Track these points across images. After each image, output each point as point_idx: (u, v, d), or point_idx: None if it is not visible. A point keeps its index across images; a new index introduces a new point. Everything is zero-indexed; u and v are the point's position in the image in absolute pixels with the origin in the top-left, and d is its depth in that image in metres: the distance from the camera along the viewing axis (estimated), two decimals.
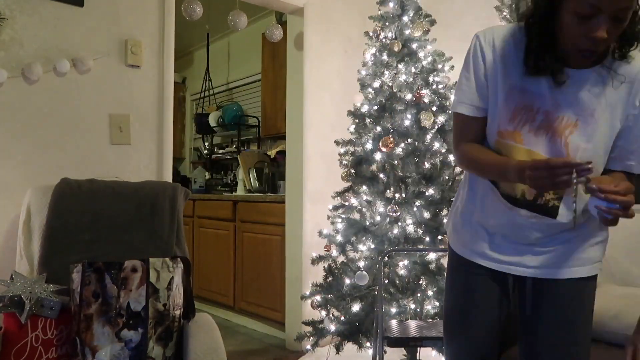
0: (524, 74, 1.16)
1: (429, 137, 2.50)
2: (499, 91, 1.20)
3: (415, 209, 2.42)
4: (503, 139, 1.20)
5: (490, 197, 1.27)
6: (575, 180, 1.01)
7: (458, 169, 2.57)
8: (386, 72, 2.62)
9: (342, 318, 2.50)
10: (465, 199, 1.34)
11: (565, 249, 1.24)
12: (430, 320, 2.22)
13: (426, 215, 2.42)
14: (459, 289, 1.35)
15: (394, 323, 2.07)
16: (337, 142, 2.70)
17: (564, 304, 1.26)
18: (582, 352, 1.30)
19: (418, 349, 2.34)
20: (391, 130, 2.51)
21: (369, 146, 2.58)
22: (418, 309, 2.35)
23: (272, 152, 4.41)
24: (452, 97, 2.60)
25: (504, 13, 2.94)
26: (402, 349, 2.41)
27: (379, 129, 2.55)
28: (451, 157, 2.51)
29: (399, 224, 2.44)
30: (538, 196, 1.20)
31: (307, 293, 2.65)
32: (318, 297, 2.59)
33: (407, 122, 2.50)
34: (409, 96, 2.52)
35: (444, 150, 2.51)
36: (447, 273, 1.41)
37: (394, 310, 2.35)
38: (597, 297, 1.98)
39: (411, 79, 2.56)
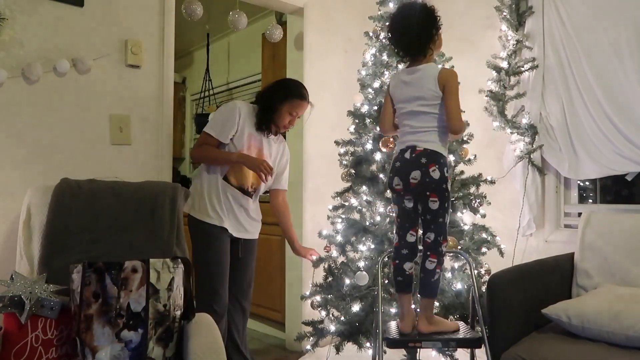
0: (255, 129, 2.34)
1: None
2: (244, 135, 2.30)
3: None
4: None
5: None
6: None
7: (457, 169, 2.57)
8: (386, 72, 2.61)
9: (342, 318, 2.49)
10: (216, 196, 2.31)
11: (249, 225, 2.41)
12: None
13: None
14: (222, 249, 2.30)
15: (393, 324, 2.07)
16: (337, 142, 2.70)
17: (251, 252, 2.47)
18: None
19: (418, 349, 2.34)
20: None
21: (369, 146, 2.58)
22: (418, 310, 2.35)
23: None
24: None
25: (504, 13, 2.94)
26: (402, 349, 2.41)
27: (379, 129, 2.55)
28: (451, 157, 2.51)
29: None
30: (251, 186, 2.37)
31: (307, 293, 2.65)
32: (318, 298, 2.59)
33: None
34: None
35: None
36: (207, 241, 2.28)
37: (393, 310, 2.35)
38: (597, 297, 1.99)
39: None
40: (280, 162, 2.48)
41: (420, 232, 1.99)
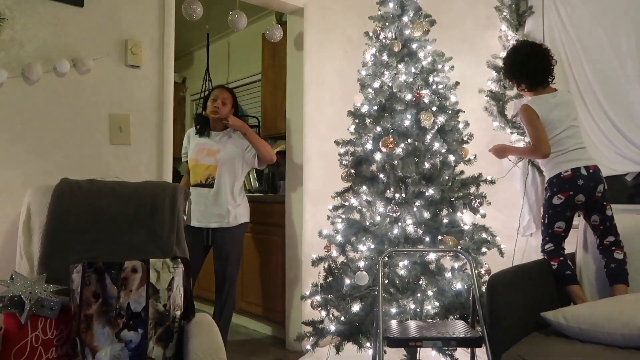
0: (199, 136, 2.82)
1: (428, 137, 2.50)
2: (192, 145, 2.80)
3: (415, 209, 2.42)
4: (193, 162, 2.76)
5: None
6: None
7: (458, 169, 2.57)
8: (386, 72, 2.61)
9: (342, 318, 2.49)
10: None
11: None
12: (430, 320, 2.22)
13: (426, 215, 2.42)
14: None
15: (394, 323, 2.07)
16: (337, 142, 2.70)
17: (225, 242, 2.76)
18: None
19: (418, 349, 2.34)
20: (391, 130, 2.51)
21: (369, 146, 2.58)
22: (418, 309, 2.35)
23: None
24: (452, 97, 2.61)
25: (504, 13, 2.94)
26: (402, 349, 2.41)
27: (379, 129, 2.55)
28: (451, 158, 2.51)
29: (399, 224, 2.44)
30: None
31: (307, 293, 2.65)
32: (318, 297, 2.59)
33: (407, 122, 2.49)
34: (409, 96, 2.51)
35: (443, 151, 2.50)
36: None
37: (394, 310, 2.35)
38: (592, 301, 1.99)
39: (411, 79, 2.56)
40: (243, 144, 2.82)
41: None
